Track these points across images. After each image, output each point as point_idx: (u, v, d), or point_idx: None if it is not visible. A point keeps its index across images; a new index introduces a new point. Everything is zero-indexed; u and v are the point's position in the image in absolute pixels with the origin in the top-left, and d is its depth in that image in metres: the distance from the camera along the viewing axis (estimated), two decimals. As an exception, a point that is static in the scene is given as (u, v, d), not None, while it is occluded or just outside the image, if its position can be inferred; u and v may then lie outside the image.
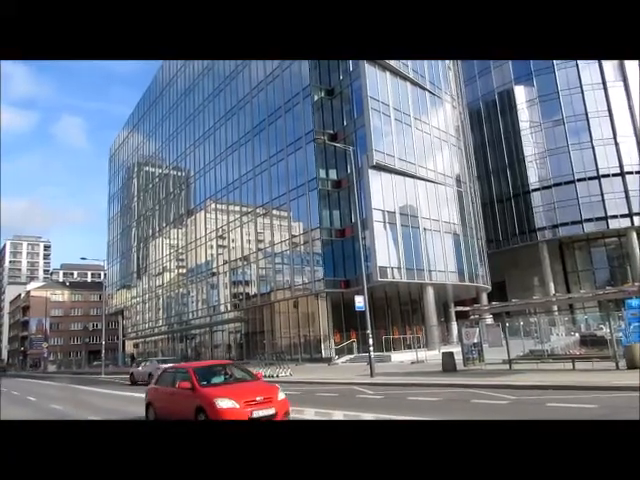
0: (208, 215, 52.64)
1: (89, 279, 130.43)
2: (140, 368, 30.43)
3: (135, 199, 74.43)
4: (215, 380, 10.66)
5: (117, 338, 77.49)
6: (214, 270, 50.21)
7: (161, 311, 63.50)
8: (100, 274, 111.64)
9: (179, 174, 61.28)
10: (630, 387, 11.87)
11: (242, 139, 45.56)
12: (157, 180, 67.62)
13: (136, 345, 73.54)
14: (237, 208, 46.99)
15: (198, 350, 55.12)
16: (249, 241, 44.80)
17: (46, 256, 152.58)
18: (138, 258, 71.87)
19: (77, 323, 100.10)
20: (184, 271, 57.39)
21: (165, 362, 33.15)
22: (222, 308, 48.83)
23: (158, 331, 63.95)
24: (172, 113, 61.90)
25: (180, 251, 58.30)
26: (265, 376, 25.51)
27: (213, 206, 51.68)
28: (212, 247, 51.41)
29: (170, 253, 60.99)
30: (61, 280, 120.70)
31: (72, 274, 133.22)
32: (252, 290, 44.36)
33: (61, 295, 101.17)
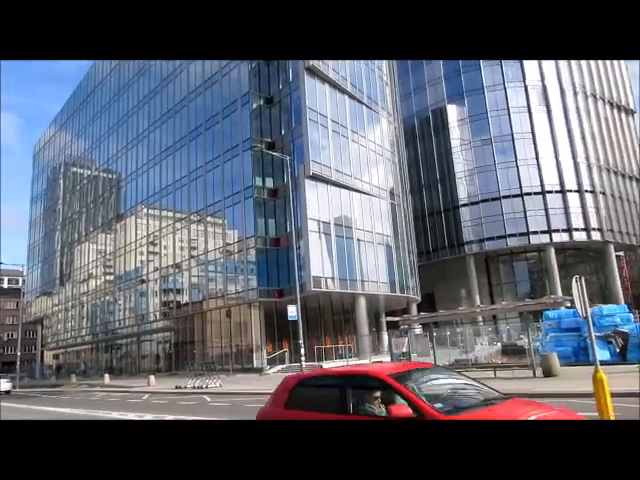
0: (139, 220, 50.94)
1: (5, 285, 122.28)
2: None
3: (60, 201, 70.84)
4: (443, 399, 5.33)
5: (35, 348, 73.05)
6: (144, 277, 48.57)
7: (85, 320, 60.56)
8: (18, 280, 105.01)
9: (109, 176, 58.99)
10: (544, 394, 12.53)
11: (177, 143, 44.56)
12: (85, 182, 64.75)
13: (56, 356, 69.64)
14: (170, 214, 45.82)
15: (131, 360, 52.87)
16: (182, 248, 43.71)
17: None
18: (62, 263, 68.30)
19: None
20: (111, 278, 55.10)
21: None
22: (151, 317, 47.21)
23: (81, 341, 60.90)
24: (104, 112, 59.63)
25: (108, 257, 55.98)
26: (194, 387, 24.94)
27: (145, 211, 50.09)
28: (142, 253, 49.75)
29: (97, 259, 58.42)
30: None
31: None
32: (183, 298, 43.27)
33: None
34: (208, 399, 19.94)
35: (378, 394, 5.29)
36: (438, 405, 4.89)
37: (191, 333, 42.27)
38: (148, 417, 14.62)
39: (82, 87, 67.63)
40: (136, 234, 50.56)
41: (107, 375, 39.55)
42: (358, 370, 6.79)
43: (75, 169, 68.73)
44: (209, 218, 40.44)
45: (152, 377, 30.72)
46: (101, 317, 56.86)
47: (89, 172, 64.11)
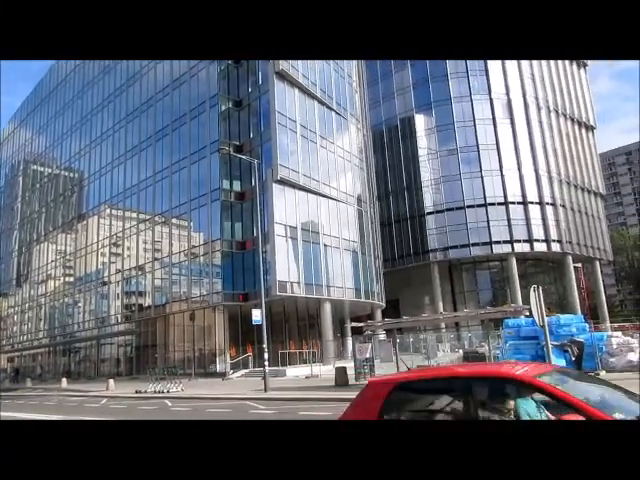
0: (102, 221, 49.83)
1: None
2: None
3: (19, 199, 68.70)
4: (612, 408, 4.13)
5: (-12, 351, 70.39)
6: (105, 279, 47.45)
7: (43, 322, 58.73)
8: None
9: (71, 175, 57.50)
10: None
11: (143, 143, 43.81)
12: (46, 180, 62.93)
13: (11, 359, 67.21)
14: (134, 215, 44.94)
15: (90, 363, 51.42)
16: (145, 250, 42.94)
17: None
18: (19, 264, 66.18)
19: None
20: (71, 279, 53.66)
21: None
22: (112, 320, 46.14)
23: (38, 344, 58.95)
24: (67, 110, 58.13)
25: (68, 258, 54.51)
26: (155, 392, 24.44)
27: (108, 211, 49.03)
28: (104, 255, 48.63)
29: (57, 259, 56.81)
30: None
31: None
32: (146, 301, 42.45)
33: None
34: (169, 404, 19.59)
35: (512, 404, 4.11)
36: (618, 415, 3.80)
37: (153, 336, 41.47)
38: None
39: (44, 83, 65.83)
40: (98, 235, 49.42)
41: (64, 379, 38.39)
42: (488, 371, 5.12)
43: (35, 167, 66.78)
44: (174, 220, 39.86)
45: (111, 381, 30.00)
46: (59, 319, 55.26)
47: (50, 170, 62.39)
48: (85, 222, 52.68)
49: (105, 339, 48.57)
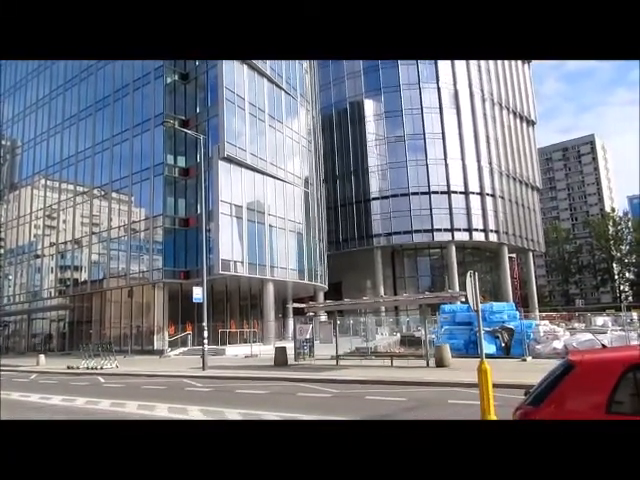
0: (36, 191, 47.54)
1: None
2: None
3: (-55, 164, 64.17)
4: None
5: None
6: (38, 252, 45.44)
7: (-32, 295, 55.65)
8: None
9: (3, 142, 54.32)
10: (434, 383, 13.31)
11: (83, 112, 41.85)
12: (-25, 145, 59.11)
13: None
14: (71, 187, 43.09)
15: (20, 338, 49.18)
16: (83, 224, 41.33)
17: None
18: (-57, 232, 62.11)
19: None
20: (1, 251, 51.01)
21: None
22: (45, 294, 44.38)
23: (-38, 317, 55.90)
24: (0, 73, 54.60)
25: (-2, 228, 51.75)
26: (87, 368, 23.80)
27: (43, 182, 46.74)
28: (38, 227, 46.49)
29: (-15, 230, 53.77)
30: None
31: None
32: (82, 276, 41.03)
33: None
34: (102, 380, 19.20)
35: None
36: None
37: (88, 312, 40.20)
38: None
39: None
40: (32, 206, 47.13)
41: (-10, 354, 36.69)
42: None
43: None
44: (114, 194, 38.49)
45: (42, 356, 28.99)
46: (-13, 293, 52.58)
47: (-21, 135, 58.64)
48: (18, 192, 50.15)
49: (37, 313, 46.80)
